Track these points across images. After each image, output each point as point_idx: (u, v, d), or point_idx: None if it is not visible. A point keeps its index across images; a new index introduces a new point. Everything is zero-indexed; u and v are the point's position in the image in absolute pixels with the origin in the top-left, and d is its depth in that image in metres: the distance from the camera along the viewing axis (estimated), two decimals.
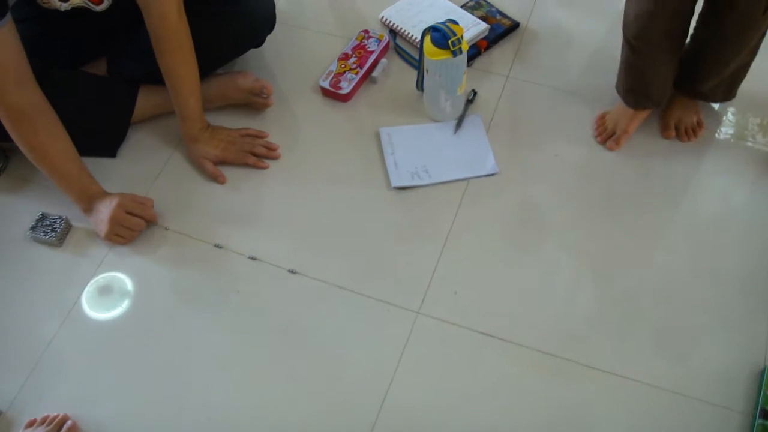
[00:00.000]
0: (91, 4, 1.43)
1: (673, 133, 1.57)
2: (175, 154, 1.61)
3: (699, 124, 1.58)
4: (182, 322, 1.38)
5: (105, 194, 1.45)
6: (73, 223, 1.51)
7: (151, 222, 1.48)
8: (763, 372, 1.25)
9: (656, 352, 1.30)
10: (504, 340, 1.32)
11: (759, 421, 1.19)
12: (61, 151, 1.40)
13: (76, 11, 1.44)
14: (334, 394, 1.28)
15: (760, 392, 1.22)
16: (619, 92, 1.57)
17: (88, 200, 1.45)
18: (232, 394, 1.29)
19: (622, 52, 1.49)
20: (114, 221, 1.43)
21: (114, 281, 1.44)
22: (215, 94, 1.62)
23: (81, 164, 1.44)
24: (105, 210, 1.43)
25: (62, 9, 1.42)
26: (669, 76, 1.48)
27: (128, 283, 1.43)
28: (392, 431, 1.24)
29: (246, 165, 1.57)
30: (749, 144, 1.57)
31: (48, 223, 1.49)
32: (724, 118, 1.61)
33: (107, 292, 1.42)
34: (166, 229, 1.49)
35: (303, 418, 1.26)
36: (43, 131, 1.36)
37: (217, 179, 1.55)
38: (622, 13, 1.40)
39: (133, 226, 1.45)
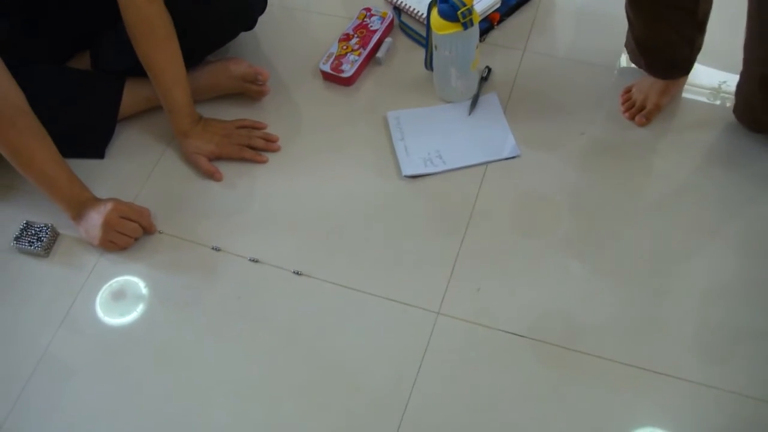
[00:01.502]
0: None
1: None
2: (168, 151, 1.52)
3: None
4: (181, 332, 1.29)
5: (96, 201, 1.37)
6: (60, 230, 1.42)
7: (147, 230, 1.39)
8: None
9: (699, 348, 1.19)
10: (535, 339, 1.22)
11: None
12: (48, 156, 1.31)
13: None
14: (350, 406, 1.19)
15: None
16: (639, 65, 1.47)
17: (79, 207, 1.35)
18: (238, 410, 1.20)
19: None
20: (108, 226, 1.33)
21: (106, 292, 1.35)
22: (206, 84, 1.52)
23: (69, 169, 1.35)
24: (98, 216, 1.34)
25: None
26: (682, 39, 1.35)
27: (121, 294, 1.34)
28: None
29: (243, 159, 1.47)
30: None
31: (33, 232, 1.40)
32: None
33: (99, 303, 1.33)
34: (160, 232, 1.40)
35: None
36: (27, 135, 1.27)
37: (213, 176, 1.45)
38: None
39: (129, 231, 1.36)
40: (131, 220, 1.36)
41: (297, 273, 1.31)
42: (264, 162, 1.47)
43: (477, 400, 1.17)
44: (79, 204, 1.35)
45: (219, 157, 1.46)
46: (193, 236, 1.39)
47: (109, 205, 1.34)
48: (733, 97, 1.42)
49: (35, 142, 1.29)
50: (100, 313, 1.32)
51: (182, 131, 1.44)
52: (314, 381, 1.21)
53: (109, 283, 1.35)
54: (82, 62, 1.56)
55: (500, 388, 1.18)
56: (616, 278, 1.27)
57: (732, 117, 1.42)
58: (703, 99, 1.49)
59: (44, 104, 1.31)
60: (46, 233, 1.39)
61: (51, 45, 1.50)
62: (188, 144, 1.45)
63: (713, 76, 1.51)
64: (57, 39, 1.51)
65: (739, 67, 1.33)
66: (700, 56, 1.40)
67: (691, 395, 1.14)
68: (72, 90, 1.47)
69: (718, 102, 1.48)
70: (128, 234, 1.36)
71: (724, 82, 1.50)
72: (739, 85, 1.37)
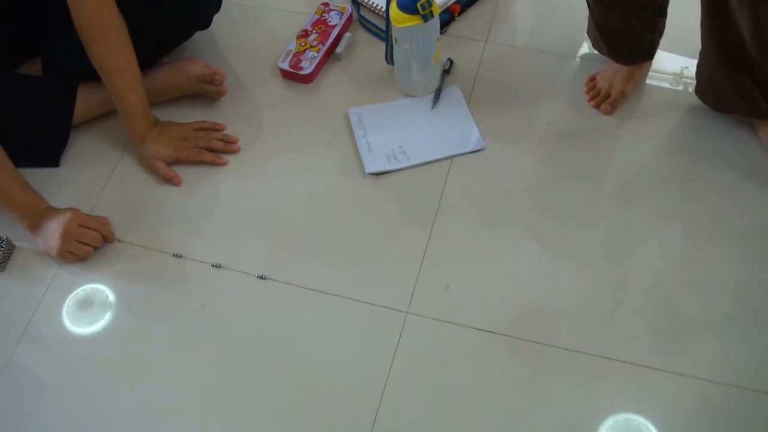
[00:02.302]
0: None
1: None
2: (125, 156, 1.48)
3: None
4: (145, 342, 1.25)
5: (54, 210, 1.32)
6: (17, 243, 1.37)
7: (107, 239, 1.34)
8: None
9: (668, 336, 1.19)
10: (506, 335, 1.20)
11: None
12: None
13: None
14: (321, 411, 1.16)
15: None
16: (602, 52, 1.46)
17: (35, 217, 1.31)
18: (206, 419, 1.17)
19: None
20: (67, 236, 1.29)
21: (66, 304, 1.30)
22: (162, 86, 1.48)
23: (22, 178, 1.30)
24: (56, 225, 1.29)
25: None
26: (643, 23, 1.34)
27: (81, 306, 1.30)
28: None
29: (202, 162, 1.43)
30: None
31: None
32: None
33: (60, 316, 1.29)
34: (119, 241, 1.36)
35: None
36: None
37: (172, 181, 1.42)
38: None
39: (89, 240, 1.31)
40: (90, 229, 1.31)
41: (261, 277, 1.28)
42: (224, 164, 1.43)
43: (450, 399, 1.15)
44: (35, 214, 1.31)
45: (177, 161, 1.42)
46: (153, 243, 1.35)
47: (68, 215, 1.30)
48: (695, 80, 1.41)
49: None
50: (62, 325, 1.28)
51: (139, 136, 1.40)
52: (283, 387, 1.18)
53: (69, 296, 1.31)
54: (32, 69, 1.51)
55: (473, 385, 1.16)
56: (585, 268, 1.26)
57: (695, 100, 1.41)
58: (667, 84, 1.48)
59: None
60: (1, 246, 1.34)
61: (0, 51, 1.45)
62: (145, 149, 1.41)
63: (676, 61, 1.50)
64: (5, 45, 1.45)
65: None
66: (663, 41, 1.39)
67: (663, 384, 1.13)
68: (23, 96, 1.42)
69: (681, 87, 1.47)
70: (88, 243, 1.31)
71: (686, 67, 1.49)
72: (700, 64, 1.35)
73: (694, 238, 1.28)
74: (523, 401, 1.14)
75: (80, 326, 1.28)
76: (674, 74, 1.49)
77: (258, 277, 1.28)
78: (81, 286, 1.32)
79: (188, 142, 1.42)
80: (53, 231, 1.29)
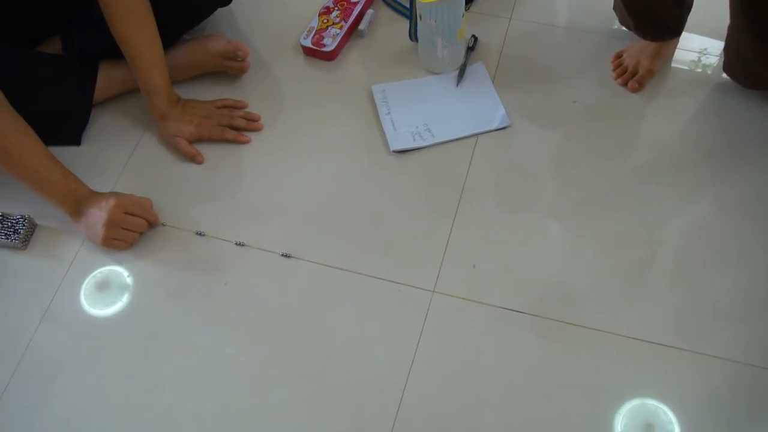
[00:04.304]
0: None
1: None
2: (146, 135, 1.46)
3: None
4: (168, 321, 1.24)
5: (96, 196, 1.29)
6: (38, 221, 1.36)
7: (152, 223, 1.32)
8: None
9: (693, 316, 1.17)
10: (533, 315, 1.19)
11: None
12: (37, 152, 1.24)
13: None
14: (345, 390, 1.15)
15: None
16: (628, 27, 1.44)
17: (77, 204, 1.28)
18: (228, 398, 1.16)
19: None
20: (111, 224, 1.26)
21: (90, 282, 1.29)
22: (184, 64, 1.47)
23: (61, 165, 1.27)
24: (100, 213, 1.27)
25: None
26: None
27: (106, 284, 1.29)
28: (416, 427, 1.11)
29: (225, 140, 1.42)
30: None
31: (9, 224, 1.34)
32: None
33: (83, 295, 1.28)
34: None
35: (313, 422, 1.13)
36: (11, 131, 1.21)
37: (195, 159, 1.40)
38: None
39: (135, 226, 1.29)
40: (135, 215, 1.29)
41: (285, 255, 1.27)
42: (246, 142, 1.42)
43: (477, 378, 1.14)
44: (77, 200, 1.28)
45: (200, 139, 1.41)
46: (175, 222, 1.34)
47: (111, 201, 1.27)
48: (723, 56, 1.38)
49: (22, 138, 1.22)
50: (84, 304, 1.27)
51: (161, 114, 1.38)
52: (307, 366, 1.18)
53: (92, 274, 1.30)
54: (52, 48, 1.49)
55: (500, 365, 1.15)
56: (610, 248, 1.24)
57: (723, 77, 1.39)
58: (694, 61, 1.45)
59: (16, 91, 1.23)
60: (23, 225, 1.33)
61: (19, 30, 1.44)
62: (168, 127, 1.39)
63: (703, 38, 1.48)
64: (25, 24, 1.44)
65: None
66: (690, 17, 1.36)
67: (689, 364, 1.12)
68: (44, 75, 1.41)
69: (708, 64, 1.45)
70: (134, 230, 1.29)
71: (713, 44, 1.46)
72: (728, 40, 1.33)
73: (721, 218, 1.26)
74: (549, 381, 1.13)
75: (102, 306, 1.27)
76: (701, 51, 1.46)
77: (282, 255, 1.27)
78: (103, 266, 1.31)
79: (211, 120, 1.41)
80: (97, 219, 1.27)
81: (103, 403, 1.17)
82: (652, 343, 1.14)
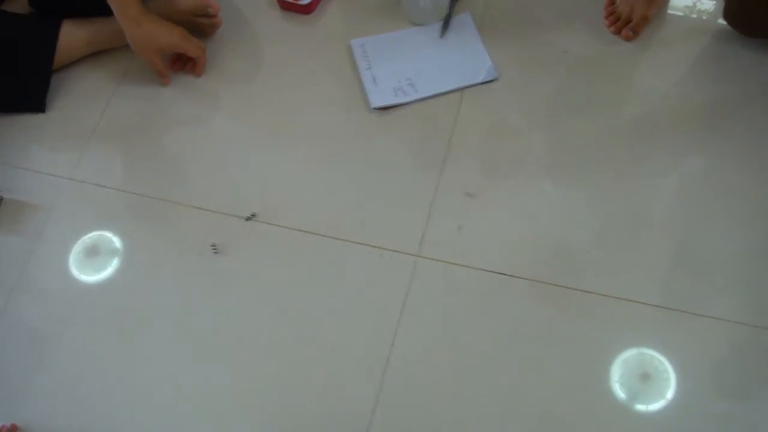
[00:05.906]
0: None
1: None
2: (113, 99, 1.42)
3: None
4: (138, 297, 1.22)
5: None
6: (3, 194, 1.32)
7: (197, 70, 1.41)
8: None
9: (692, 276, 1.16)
10: (521, 278, 1.16)
11: None
12: None
13: None
14: (329, 361, 1.14)
15: None
16: None
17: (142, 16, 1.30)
18: (209, 372, 1.14)
19: None
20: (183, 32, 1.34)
21: (57, 258, 1.26)
22: None
23: None
24: (166, 29, 1.32)
25: None
26: None
27: (71, 260, 1.26)
28: (401, 400, 1.09)
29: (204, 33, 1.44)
30: None
31: None
32: None
33: (56, 268, 1.26)
34: (108, 188, 1.32)
35: (296, 395, 1.12)
36: None
37: (162, 77, 1.40)
38: None
39: (194, 51, 1.38)
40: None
41: (249, 218, 1.25)
42: (218, 24, 1.45)
43: (464, 345, 1.12)
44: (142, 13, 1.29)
45: (178, 50, 1.37)
46: (144, 189, 1.31)
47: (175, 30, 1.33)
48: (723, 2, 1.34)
49: None
50: (61, 276, 1.25)
51: (133, 18, 1.29)
52: (288, 336, 1.16)
53: (59, 249, 1.27)
54: (13, 5, 1.43)
55: (488, 330, 1.13)
56: (603, 205, 1.23)
57: (723, 24, 1.35)
58: (691, 7, 1.41)
59: None
60: None
61: None
62: (141, 34, 1.31)
63: None
64: None
65: None
66: None
67: (686, 326, 1.11)
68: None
69: (706, 9, 1.40)
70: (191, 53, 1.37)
71: None
72: None
73: (718, 172, 1.24)
74: (539, 345, 1.12)
75: (83, 275, 1.25)
76: None
77: (246, 219, 1.25)
78: (69, 240, 1.28)
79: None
80: (168, 24, 1.32)
81: (90, 374, 1.17)
82: (647, 304, 1.12)
